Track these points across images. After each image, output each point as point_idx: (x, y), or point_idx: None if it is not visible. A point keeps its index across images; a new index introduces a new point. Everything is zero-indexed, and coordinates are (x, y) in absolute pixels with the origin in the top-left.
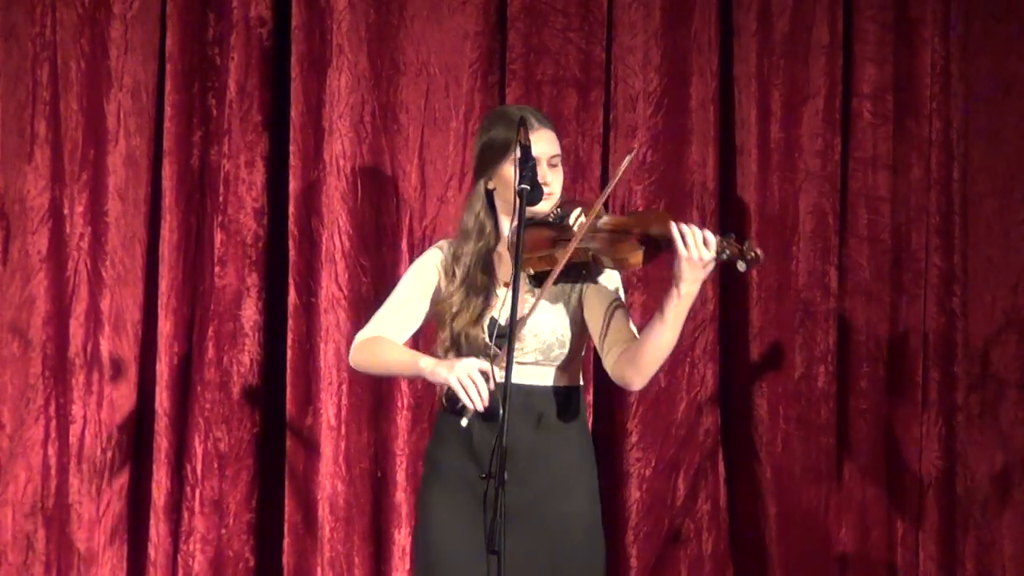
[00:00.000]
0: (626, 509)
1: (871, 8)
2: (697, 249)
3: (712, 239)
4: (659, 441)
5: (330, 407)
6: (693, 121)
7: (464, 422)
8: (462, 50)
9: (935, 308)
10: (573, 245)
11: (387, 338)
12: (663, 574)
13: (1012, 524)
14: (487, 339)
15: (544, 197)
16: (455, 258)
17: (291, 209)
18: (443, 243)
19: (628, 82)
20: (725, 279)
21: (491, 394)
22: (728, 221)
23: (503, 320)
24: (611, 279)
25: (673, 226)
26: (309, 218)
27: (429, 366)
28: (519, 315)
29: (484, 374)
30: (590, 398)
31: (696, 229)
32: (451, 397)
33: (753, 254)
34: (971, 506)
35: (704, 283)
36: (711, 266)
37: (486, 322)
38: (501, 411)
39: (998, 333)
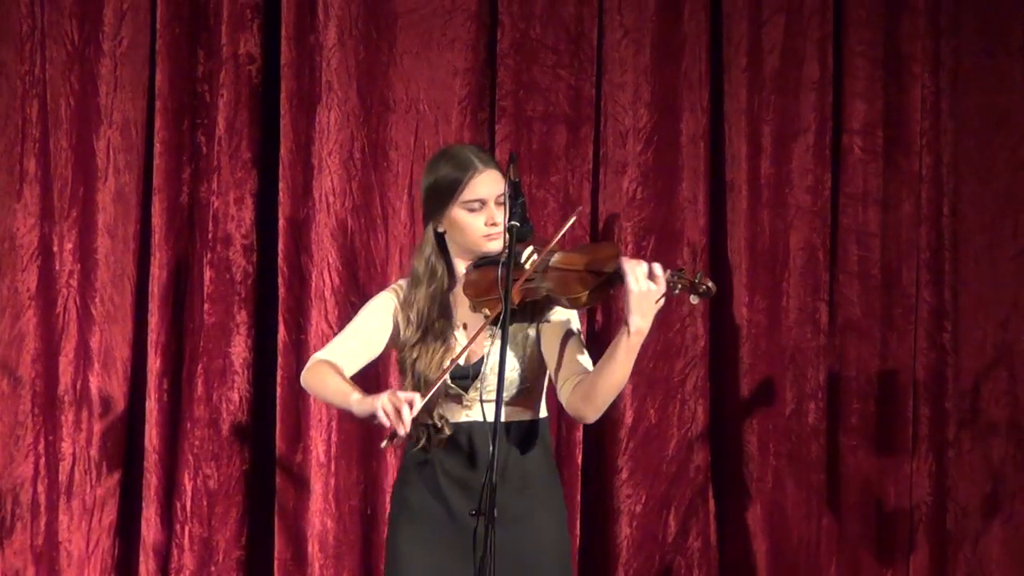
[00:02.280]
0: (616, 546)
1: (861, 44)
2: (645, 283)
3: (660, 273)
4: (650, 477)
5: (320, 444)
6: (683, 157)
7: (384, 443)
8: (452, 87)
9: (925, 344)
10: (521, 282)
11: (336, 365)
12: None
13: (1002, 560)
14: (447, 381)
15: (493, 237)
16: (407, 304)
17: (280, 246)
18: (395, 289)
19: (618, 118)
20: (715, 316)
21: (445, 426)
22: (718, 257)
23: (462, 361)
24: (566, 312)
25: (623, 261)
26: (299, 255)
27: (357, 399)
28: (479, 355)
29: (408, 402)
30: (579, 435)
31: (644, 263)
32: (413, 444)
33: (704, 287)
34: (962, 541)
35: (695, 319)
36: (662, 301)
37: (446, 365)
38: (491, 448)
39: (988, 369)
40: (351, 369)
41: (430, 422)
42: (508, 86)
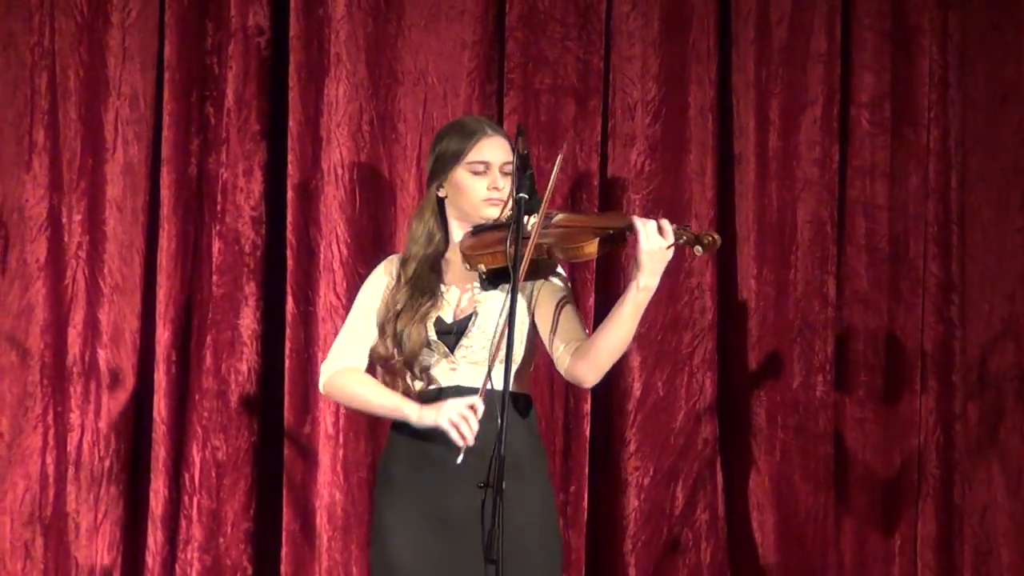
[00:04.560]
0: (624, 518)
1: (869, 17)
2: (656, 238)
3: (668, 227)
4: (657, 450)
5: (328, 416)
6: (691, 130)
7: (460, 459)
8: (460, 59)
9: (933, 317)
10: (533, 240)
11: (360, 372)
12: None
13: (1010, 532)
14: (433, 336)
15: (494, 203)
16: (403, 263)
17: (289, 218)
18: (389, 262)
19: (626, 91)
20: (723, 288)
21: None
22: (726, 230)
23: (448, 319)
24: (559, 281)
25: (633, 219)
26: (307, 227)
27: (415, 413)
28: (467, 313)
29: (472, 408)
30: (587, 407)
31: (652, 220)
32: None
33: (710, 238)
34: (969, 514)
35: (703, 292)
36: (669, 255)
37: (431, 320)
38: (499, 420)
39: (995, 341)
40: (365, 361)
41: (408, 378)
42: (516, 58)
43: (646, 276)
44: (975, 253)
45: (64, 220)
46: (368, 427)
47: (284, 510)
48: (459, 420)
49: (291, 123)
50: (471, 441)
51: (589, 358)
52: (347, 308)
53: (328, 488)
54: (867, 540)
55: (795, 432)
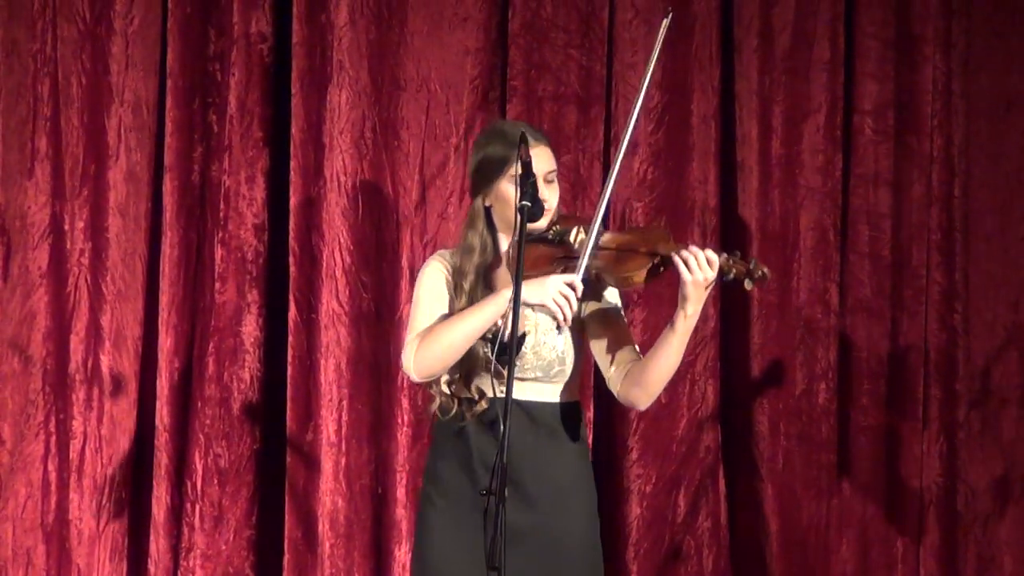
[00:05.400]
0: (627, 525)
1: (872, 25)
2: (702, 271)
3: (715, 258)
4: (660, 458)
5: (330, 423)
6: (694, 137)
7: (560, 330)
8: (463, 66)
9: (936, 325)
10: (583, 264)
11: (436, 324)
12: None
13: (1012, 541)
14: (490, 355)
15: (543, 213)
16: (460, 273)
17: (292, 225)
18: (440, 257)
19: (629, 98)
20: (726, 296)
21: (491, 408)
22: (729, 237)
23: (505, 337)
24: (611, 296)
25: (676, 253)
26: (310, 234)
27: (504, 296)
28: (520, 331)
29: (572, 287)
30: (590, 414)
31: (698, 251)
32: (445, 407)
33: (760, 272)
34: (972, 523)
35: (706, 301)
36: (713, 284)
37: (488, 337)
38: (501, 427)
39: (999, 350)
40: None
41: (467, 395)
42: (519, 66)
43: (692, 304)
44: (979, 261)
45: (66, 227)
46: (370, 434)
47: (286, 517)
48: (563, 301)
49: (294, 130)
50: (570, 321)
51: (642, 386)
52: (349, 315)
53: (330, 495)
54: (870, 548)
55: (798, 440)
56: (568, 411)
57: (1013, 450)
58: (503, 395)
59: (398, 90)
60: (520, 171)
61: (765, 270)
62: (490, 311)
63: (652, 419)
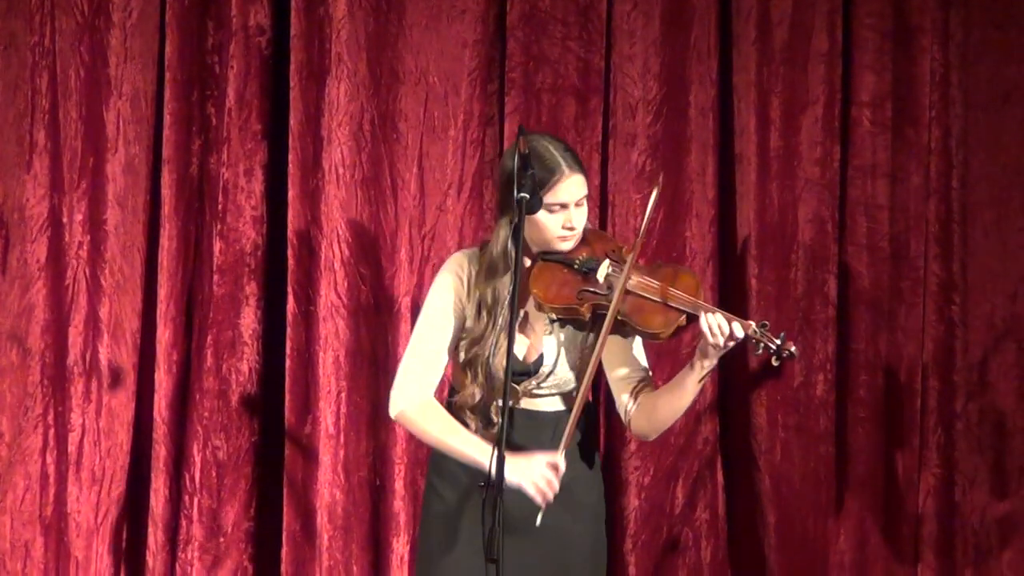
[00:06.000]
0: (624, 517)
1: (870, 16)
2: (723, 338)
3: (740, 334)
4: (658, 449)
5: (329, 416)
6: (692, 129)
7: (539, 521)
8: (461, 58)
9: (934, 316)
10: (611, 317)
11: (437, 408)
12: None
13: (1010, 532)
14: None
15: (568, 239)
16: (484, 289)
17: (290, 217)
18: (458, 265)
19: (627, 90)
20: (724, 287)
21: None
22: (727, 229)
23: (520, 356)
24: None
25: (704, 315)
26: (308, 226)
27: (505, 472)
28: (537, 352)
29: (555, 468)
30: None
31: (724, 322)
32: (453, 413)
33: (788, 352)
34: (969, 514)
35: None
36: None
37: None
38: (499, 420)
39: (997, 342)
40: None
41: (486, 413)
42: (517, 58)
43: (710, 360)
44: (976, 253)
45: (65, 220)
46: (369, 426)
47: (285, 510)
48: (544, 486)
49: (292, 122)
50: (551, 500)
51: (651, 422)
52: (348, 308)
53: (329, 488)
54: (868, 539)
55: (795, 431)
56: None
57: (1011, 441)
58: (520, 407)
59: (396, 82)
60: (518, 163)
61: (792, 349)
62: (471, 455)
63: None
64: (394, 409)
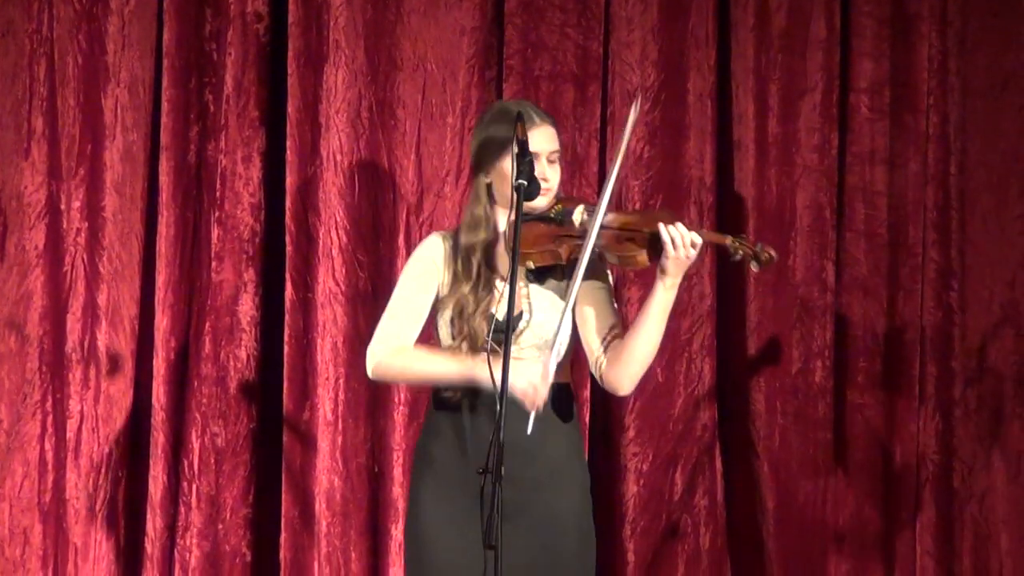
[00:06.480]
0: (623, 504)
1: (868, 3)
2: (684, 250)
3: (699, 241)
4: (656, 436)
5: (327, 402)
6: (690, 116)
7: (529, 430)
8: (459, 45)
9: (932, 303)
10: (590, 244)
11: (411, 348)
12: (660, 569)
13: (1009, 519)
14: (486, 334)
15: (542, 192)
16: (464, 251)
17: (288, 204)
18: (437, 236)
19: (625, 77)
20: (723, 274)
21: (487, 390)
22: (726, 216)
23: (500, 316)
24: (604, 277)
25: (662, 228)
26: (306, 213)
27: (483, 381)
28: (517, 310)
29: (544, 376)
30: (587, 393)
31: (685, 231)
32: (440, 400)
33: (767, 255)
34: (968, 500)
35: (702, 277)
36: (694, 257)
37: (487, 317)
38: (498, 407)
39: (995, 328)
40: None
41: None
42: (516, 45)
43: (671, 277)
44: (975, 239)
45: (63, 207)
46: (367, 413)
47: (283, 496)
48: (532, 392)
49: (290, 109)
50: (540, 409)
51: (621, 366)
52: (346, 294)
53: (327, 474)
54: (866, 525)
55: (794, 418)
56: (560, 392)
57: (1009, 427)
58: (497, 377)
59: (394, 69)
60: (516, 149)
61: (772, 252)
62: (454, 373)
63: (649, 397)
64: (370, 365)
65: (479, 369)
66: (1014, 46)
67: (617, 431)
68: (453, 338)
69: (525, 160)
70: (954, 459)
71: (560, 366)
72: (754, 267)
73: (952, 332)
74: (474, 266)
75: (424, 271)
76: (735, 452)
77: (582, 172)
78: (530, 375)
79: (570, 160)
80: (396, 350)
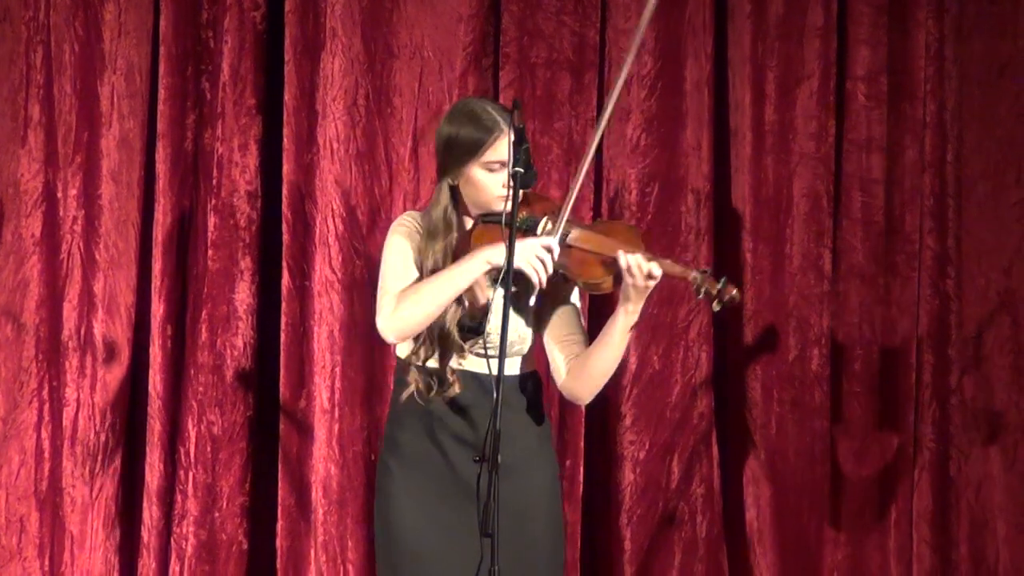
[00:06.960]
0: (620, 492)
1: None
2: (641, 278)
3: (657, 274)
4: (653, 424)
5: (323, 390)
6: (687, 104)
7: (533, 300)
8: (456, 33)
9: (929, 290)
10: (558, 233)
11: (409, 288)
12: (657, 557)
13: (1005, 506)
14: (455, 335)
15: (507, 199)
16: (422, 252)
17: (284, 192)
18: (411, 218)
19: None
20: (720, 262)
21: (456, 382)
22: (722, 204)
23: (467, 319)
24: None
25: (620, 256)
26: (303, 201)
27: (495, 256)
28: (483, 308)
29: (548, 249)
30: None
31: (643, 263)
32: (422, 393)
33: (729, 296)
34: (964, 488)
35: (698, 266)
36: (653, 286)
37: (454, 315)
38: (495, 394)
39: (991, 315)
40: None
41: (440, 375)
42: (512, 32)
43: (632, 304)
44: (971, 227)
45: (59, 195)
46: (363, 401)
47: (279, 484)
48: (538, 264)
49: (287, 97)
50: (545, 284)
51: (583, 379)
52: (343, 282)
53: (323, 462)
54: (863, 513)
55: (791, 406)
56: (526, 380)
57: (1005, 415)
58: (458, 367)
59: (391, 57)
60: (514, 137)
61: (735, 293)
62: (466, 272)
63: (645, 386)
64: (387, 330)
65: (486, 252)
66: (1010, 33)
67: (614, 419)
68: (423, 340)
69: (523, 148)
70: (950, 447)
71: (526, 358)
72: (715, 307)
73: (948, 320)
74: (434, 271)
75: (406, 247)
76: (732, 440)
77: (579, 160)
78: (536, 249)
79: (566, 148)
80: (401, 293)
